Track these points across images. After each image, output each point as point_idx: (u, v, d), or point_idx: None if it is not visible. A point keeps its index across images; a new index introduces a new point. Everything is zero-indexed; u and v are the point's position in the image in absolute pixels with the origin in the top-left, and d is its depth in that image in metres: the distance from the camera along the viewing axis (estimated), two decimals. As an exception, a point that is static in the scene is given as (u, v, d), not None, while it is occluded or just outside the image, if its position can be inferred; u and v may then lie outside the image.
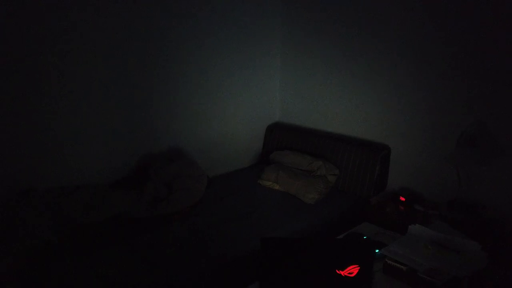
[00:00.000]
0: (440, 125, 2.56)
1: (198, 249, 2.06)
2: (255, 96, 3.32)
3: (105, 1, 2.32)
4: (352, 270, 1.53)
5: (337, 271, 1.53)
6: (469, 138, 2.31)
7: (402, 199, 2.61)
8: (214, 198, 2.66)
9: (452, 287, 1.60)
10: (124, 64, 2.48)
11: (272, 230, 2.24)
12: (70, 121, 2.32)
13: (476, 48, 2.34)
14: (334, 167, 2.87)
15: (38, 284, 1.73)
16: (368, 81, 2.89)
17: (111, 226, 2.23)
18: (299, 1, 3.18)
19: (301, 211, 2.54)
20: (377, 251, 1.83)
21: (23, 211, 1.96)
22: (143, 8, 2.49)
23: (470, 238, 1.86)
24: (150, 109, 2.67)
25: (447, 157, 2.39)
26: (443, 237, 1.88)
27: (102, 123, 2.46)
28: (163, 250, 2.03)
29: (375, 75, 2.83)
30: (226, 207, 2.54)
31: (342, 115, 3.11)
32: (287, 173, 2.83)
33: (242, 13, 3.02)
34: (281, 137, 3.33)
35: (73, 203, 2.16)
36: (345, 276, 1.53)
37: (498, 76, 2.29)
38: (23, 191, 2.10)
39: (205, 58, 2.88)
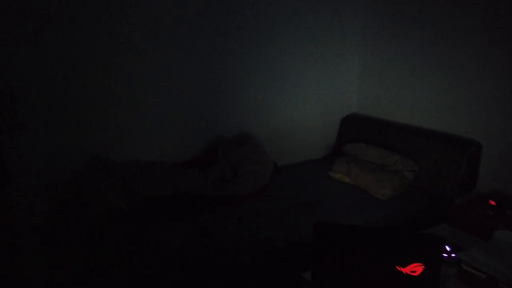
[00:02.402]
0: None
1: (257, 231, 2.04)
2: (331, 85, 3.19)
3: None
4: (415, 269, 1.36)
5: (397, 267, 1.37)
6: None
7: (492, 203, 2.28)
8: (280, 186, 2.61)
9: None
10: (197, 47, 2.55)
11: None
12: (148, 103, 2.46)
13: None
14: (412, 163, 2.62)
15: (102, 248, 1.86)
16: (456, 69, 2.57)
17: (178, 201, 2.31)
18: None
19: (370, 207, 2.36)
20: (453, 255, 1.61)
21: (99, 180, 2.13)
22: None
23: None
24: (222, 94, 2.72)
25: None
26: (537, 247, 1.59)
27: (177, 106, 2.56)
28: (223, 228, 2.05)
29: (465, 62, 2.51)
30: (291, 195, 2.47)
31: (424, 107, 2.82)
32: (359, 166, 2.66)
33: (320, -2, 2.92)
34: (357, 129, 3.15)
35: (145, 176, 2.29)
36: (407, 274, 1.36)
37: None
38: (102, 161, 2.28)
39: (279, 44, 2.85)
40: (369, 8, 3.09)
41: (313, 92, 3.11)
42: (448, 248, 1.66)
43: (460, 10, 2.50)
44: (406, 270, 1.37)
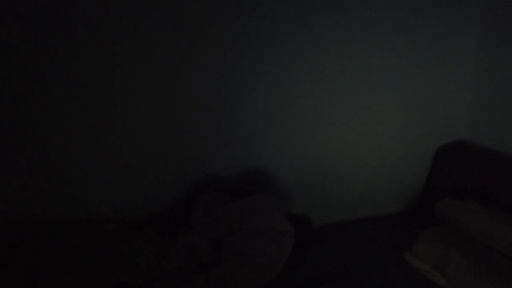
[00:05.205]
0: None
1: None
2: (416, 90, 1.80)
3: None
4: None
5: None
6: None
7: None
8: (306, 279, 1.41)
9: None
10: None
11: None
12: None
13: None
14: None
15: None
16: None
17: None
18: None
19: None
20: None
21: None
22: None
23: None
24: (212, 111, 1.54)
25: None
26: None
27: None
28: None
29: None
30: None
31: None
32: (469, 259, 1.32)
33: None
34: (466, 169, 1.81)
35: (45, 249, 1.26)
36: None
37: None
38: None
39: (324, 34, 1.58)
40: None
41: (380, 103, 1.78)
42: None
43: None
44: None
